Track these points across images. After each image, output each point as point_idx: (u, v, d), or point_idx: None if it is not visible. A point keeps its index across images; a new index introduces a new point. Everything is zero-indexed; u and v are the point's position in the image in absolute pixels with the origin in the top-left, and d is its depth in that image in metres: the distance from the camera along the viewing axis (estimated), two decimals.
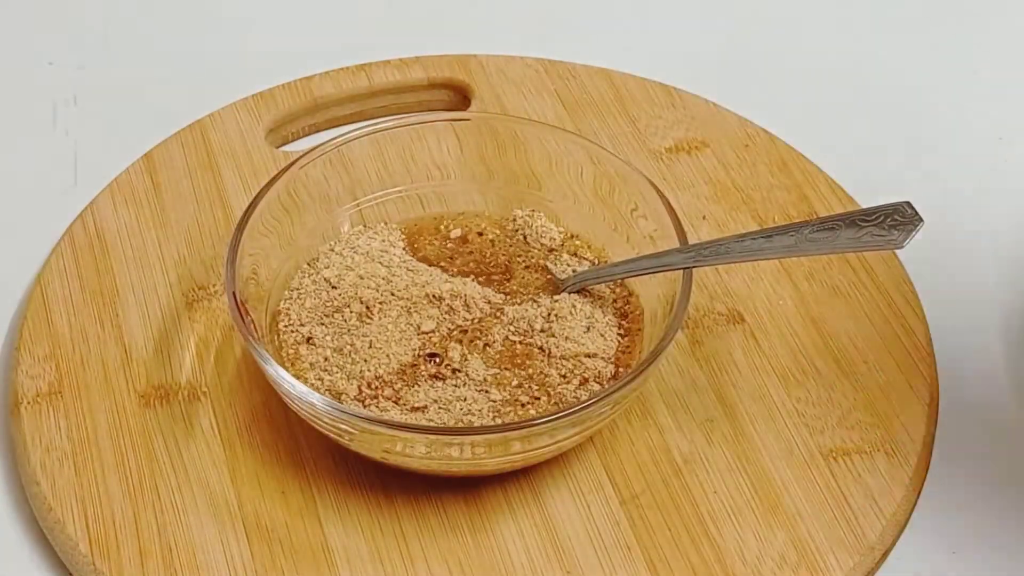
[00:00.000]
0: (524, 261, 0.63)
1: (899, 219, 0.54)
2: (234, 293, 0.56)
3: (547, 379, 0.59)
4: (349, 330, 0.60)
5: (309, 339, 0.60)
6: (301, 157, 0.61)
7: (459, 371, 0.59)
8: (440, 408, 0.57)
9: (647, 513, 0.57)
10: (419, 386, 0.58)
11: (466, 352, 0.59)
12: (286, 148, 0.74)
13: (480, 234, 0.64)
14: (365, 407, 0.57)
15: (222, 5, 0.84)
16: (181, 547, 0.56)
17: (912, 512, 0.58)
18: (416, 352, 0.59)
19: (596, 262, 0.63)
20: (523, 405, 0.58)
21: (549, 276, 0.62)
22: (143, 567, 0.55)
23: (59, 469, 0.58)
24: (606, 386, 0.58)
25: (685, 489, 0.58)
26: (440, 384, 0.58)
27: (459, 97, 0.76)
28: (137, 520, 0.57)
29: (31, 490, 0.58)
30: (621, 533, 0.56)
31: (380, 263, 0.63)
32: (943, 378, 0.62)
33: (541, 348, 0.59)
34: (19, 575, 0.57)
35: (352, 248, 0.63)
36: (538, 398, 0.58)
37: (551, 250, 0.64)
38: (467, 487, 0.57)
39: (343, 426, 0.54)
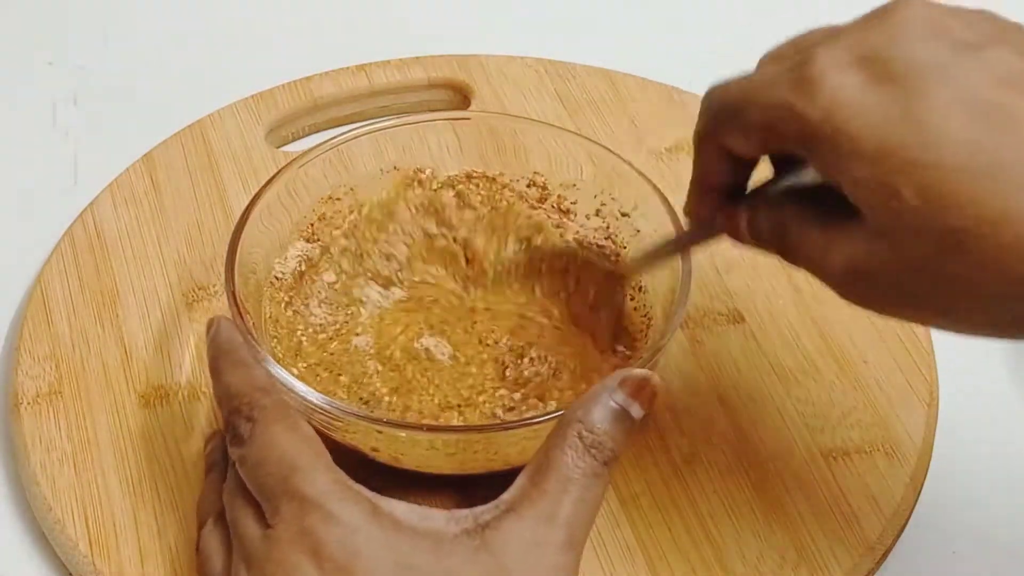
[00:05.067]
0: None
1: None
2: (233, 292, 0.56)
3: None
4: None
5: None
6: (300, 156, 0.61)
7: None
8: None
9: (647, 513, 0.57)
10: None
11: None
12: (286, 148, 0.74)
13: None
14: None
15: (222, 5, 0.84)
16: (181, 548, 0.56)
17: (912, 512, 0.58)
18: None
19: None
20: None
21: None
22: (143, 567, 0.55)
23: (59, 469, 0.58)
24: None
25: (685, 489, 0.58)
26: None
27: (459, 97, 0.76)
28: (137, 521, 0.57)
29: (31, 490, 0.58)
30: (621, 533, 0.56)
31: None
32: (943, 378, 0.62)
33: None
34: (19, 575, 0.57)
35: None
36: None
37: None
38: (467, 486, 0.57)
39: (338, 423, 0.54)
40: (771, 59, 0.47)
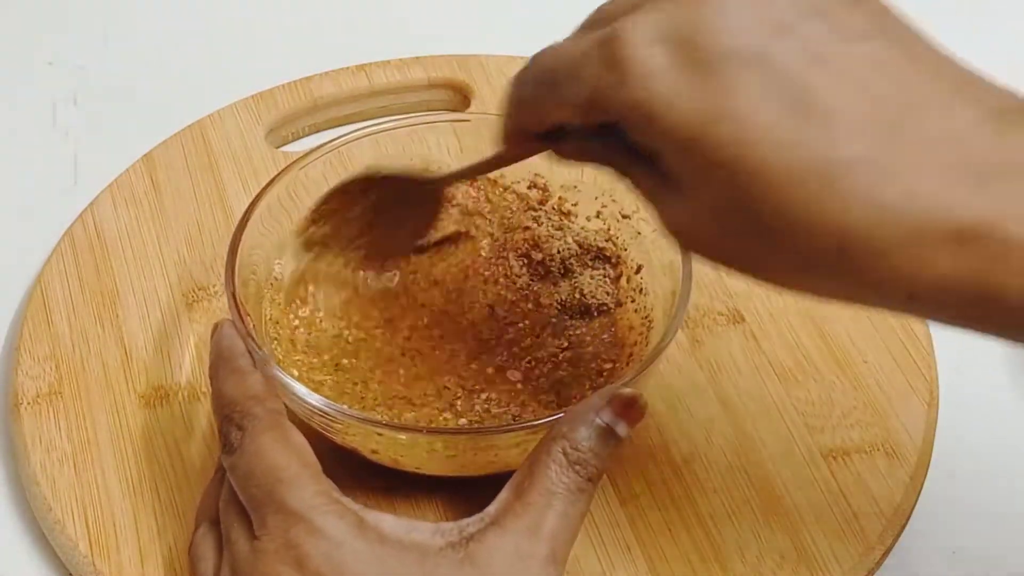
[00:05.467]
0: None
1: None
2: (234, 294, 0.56)
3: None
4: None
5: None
6: (301, 158, 0.61)
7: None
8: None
9: (647, 513, 0.57)
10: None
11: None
12: (286, 148, 0.74)
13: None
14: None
15: (222, 5, 0.84)
16: (181, 547, 0.56)
17: (912, 512, 0.58)
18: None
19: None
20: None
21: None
22: (143, 567, 0.55)
23: (59, 470, 0.58)
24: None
25: (685, 489, 0.58)
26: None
27: (459, 97, 0.76)
28: (137, 521, 0.57)
29: (31, 491, 0.58)
30: (621, 533, 0.56)
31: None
32: (943, 378, 0.62)
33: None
34: (19, 575, 0.57)
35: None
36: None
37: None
38: (467, 488, 0.57)
39: (338, 425, 0.54)
40: (582, 28, 0.45)
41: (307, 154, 0.62)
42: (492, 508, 0.49)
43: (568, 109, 0.45)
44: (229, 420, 0.51)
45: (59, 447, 0.59)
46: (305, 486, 0.48)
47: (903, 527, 0.58)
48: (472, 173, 0.58)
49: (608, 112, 0.43)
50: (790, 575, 0.55)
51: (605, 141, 0.45)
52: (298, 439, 0.50)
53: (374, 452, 0.55)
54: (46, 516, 0.57)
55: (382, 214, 0.59)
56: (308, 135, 0.75)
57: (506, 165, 0.55)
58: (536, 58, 0.46)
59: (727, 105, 0.40)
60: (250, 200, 0.59)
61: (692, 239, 0.44)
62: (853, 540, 0.56)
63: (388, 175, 0.59)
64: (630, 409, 0.49)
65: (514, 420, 0.57)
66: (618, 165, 0.46)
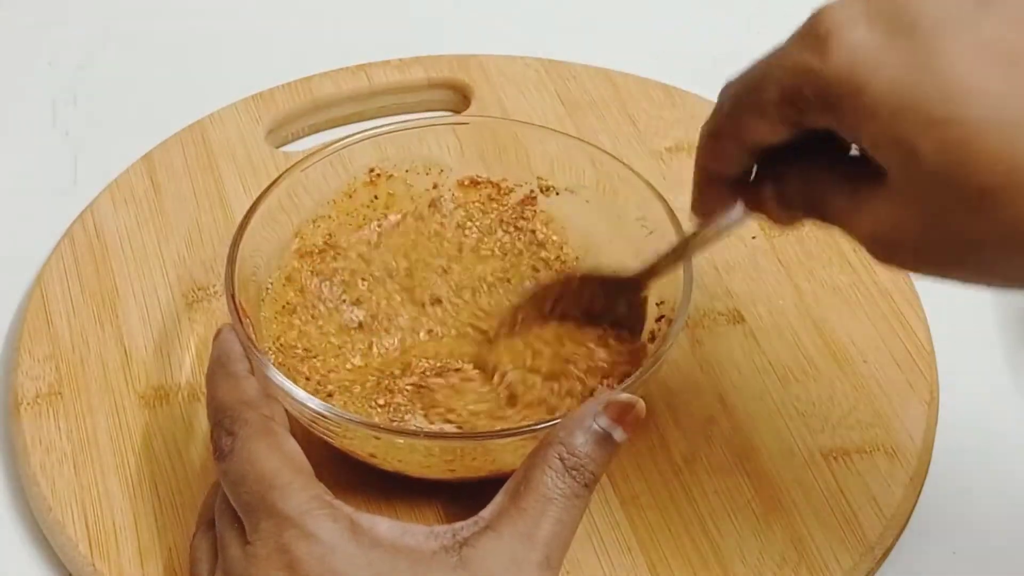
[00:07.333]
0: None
1: None
2: (233, 296, 0.56)
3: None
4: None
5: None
6: (302, 160, 0.61)
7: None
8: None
9: (647, 513, 0.57)
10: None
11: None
12: (286, 148, 0.74)
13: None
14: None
15: (222, 5, 0.84)
16: (181, 548, 0.56)
17: (912, 512, 0.58)
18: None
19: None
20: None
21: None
22: (143, 568, 0.55)
23: (59, 470, 0.58)
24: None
25: (685, 489, 0.58)
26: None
27: (459, 97, 0.76)
28: (137, 521, 0.57)
29: (31, 491, 0.58)
30: (621, 533, 0.56)
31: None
32: (943, 378, 0.62)
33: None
34: None
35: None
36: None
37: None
38: (467, 489, 0.57)
39: (337, 429, 0.54)
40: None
41: (307, 156, 0.62)
42: (487, 512, 0.49)
43: (768, 113, 0.44)
44: (220, 426, 0.51)
45: (59, 447, 0.59)
46: (297, 491, 0.48)
47: (903, 527, 0.58)
48: (665, 264, 0.57)
49: (811, 98, 0.42)
50: (790, 575, 0.55)
51: (800, 165, 0.46)
52: (290, 445, 0.50)
53: (372, 456, 0.55)
54: (46, 516, 0.57)
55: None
56: (308, 135, 0.75)
57: (698, 246, 0.55)
58: (729, 82, 0.46)
59: (937, 65, 0.39)
60: (250, 200, 0.59)
61: (893, 240, 0.43)
62: (853, 540, 0.56)
63: (586, 276, 0.60)
64: (627, 414, 0.49)
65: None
66: (813, 188, 0.46)
